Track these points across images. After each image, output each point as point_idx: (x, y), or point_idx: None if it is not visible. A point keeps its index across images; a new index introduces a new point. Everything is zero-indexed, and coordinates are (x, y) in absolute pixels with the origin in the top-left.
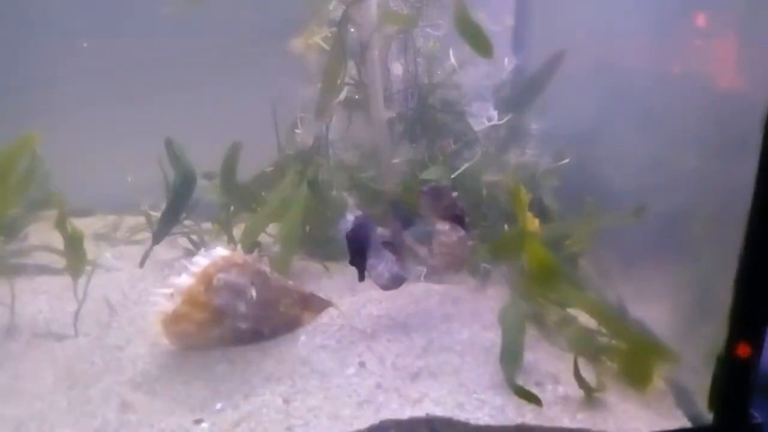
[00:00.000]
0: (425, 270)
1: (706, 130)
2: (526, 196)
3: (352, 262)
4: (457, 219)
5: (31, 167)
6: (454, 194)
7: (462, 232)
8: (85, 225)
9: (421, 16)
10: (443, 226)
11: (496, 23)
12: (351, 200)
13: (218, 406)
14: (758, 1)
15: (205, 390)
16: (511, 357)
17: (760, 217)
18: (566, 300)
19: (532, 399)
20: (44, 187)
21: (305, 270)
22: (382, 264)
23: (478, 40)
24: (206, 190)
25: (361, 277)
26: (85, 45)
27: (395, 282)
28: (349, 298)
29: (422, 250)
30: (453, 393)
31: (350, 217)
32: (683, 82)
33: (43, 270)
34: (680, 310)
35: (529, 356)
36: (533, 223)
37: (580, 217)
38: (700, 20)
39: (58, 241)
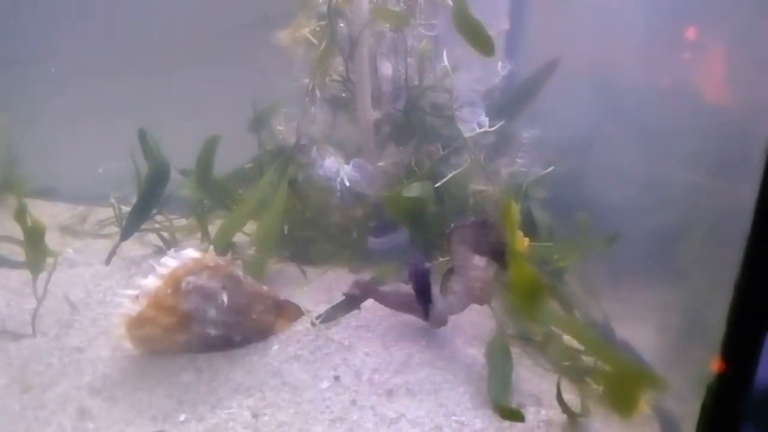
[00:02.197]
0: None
1: (702, 147)
2: (517, 214)
3: (420, 302)
4: (498, 255)
5: None
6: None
7: (495, 268)
8: (52, 215)
9: (414, 14)
10: (479, 262)
11: (491, 27)
12: (330, 149)
13: (182, 417)
14: (759, 22)
15: (168, 399)
16: (500, 388)
17: (759, 242)
18: (551, 322)
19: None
20: (10, 172)
21: (282, 274)
22: (439, 303)
23: (479, 38)
24: (181, 186)
25: (427, 316)
26: (53, 70)
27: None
28: (326, 306)
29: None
30: (431, 414)
31: (329, 163)
32: (680, 96)
33: (2, 262)
34: (669, 333)
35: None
36: (522, 243)
37: (566, 236)
38: (699, 36)
39: (20, 230)
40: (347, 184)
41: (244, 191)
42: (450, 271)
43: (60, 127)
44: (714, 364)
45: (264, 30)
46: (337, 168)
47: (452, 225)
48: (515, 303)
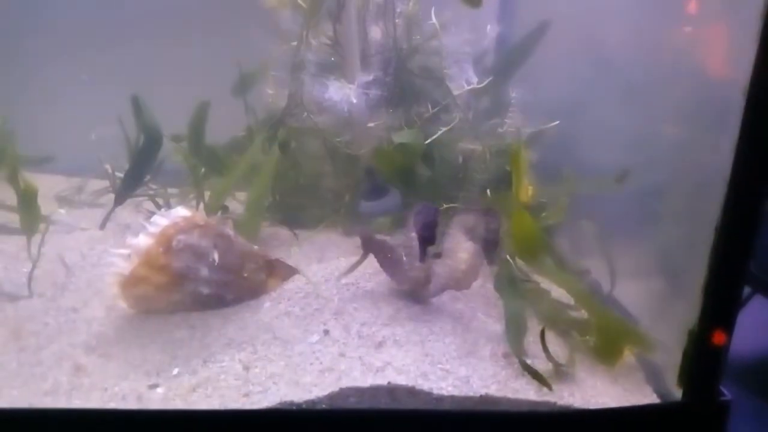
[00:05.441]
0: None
1: (686, 106)
2: (526, 163)
3: (420, 245)
4: (492, 245)
5: None
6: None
7: (482, 258)
8: (50, 186)
9: None
10: (470, 247)
11: None
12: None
13: (175, 371)
14: None
15: (162, 354)
16: (515, 329)
17: (736, 199)
18: (546, 275)
19: (542, 381)
20: (6, 145)
21: (274, 236)
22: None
23: None
24: (174, 151)
25: (423, 258)
26: (85, 78)
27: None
28: (317, 266)
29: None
30: (417, 362)
31: (334, 88)
32: (666, 58)
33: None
34: (653, 286)
35: (498, 327)
36: (527, 192)
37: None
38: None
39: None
40: (355, 101)
41: (238, 159)
42: (437, 255)
43: (51, 98)
44: (696, 314)
45: None
46: (344, 91)
47: (460, 210)
48: (515, 253)
